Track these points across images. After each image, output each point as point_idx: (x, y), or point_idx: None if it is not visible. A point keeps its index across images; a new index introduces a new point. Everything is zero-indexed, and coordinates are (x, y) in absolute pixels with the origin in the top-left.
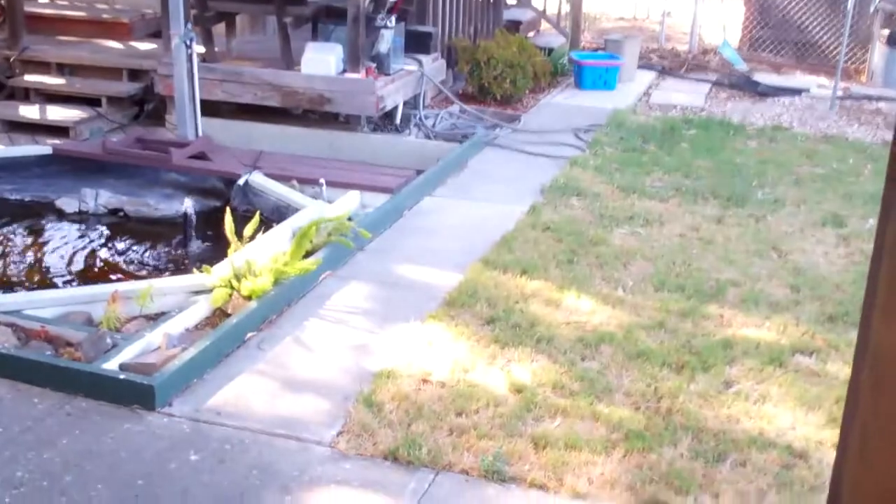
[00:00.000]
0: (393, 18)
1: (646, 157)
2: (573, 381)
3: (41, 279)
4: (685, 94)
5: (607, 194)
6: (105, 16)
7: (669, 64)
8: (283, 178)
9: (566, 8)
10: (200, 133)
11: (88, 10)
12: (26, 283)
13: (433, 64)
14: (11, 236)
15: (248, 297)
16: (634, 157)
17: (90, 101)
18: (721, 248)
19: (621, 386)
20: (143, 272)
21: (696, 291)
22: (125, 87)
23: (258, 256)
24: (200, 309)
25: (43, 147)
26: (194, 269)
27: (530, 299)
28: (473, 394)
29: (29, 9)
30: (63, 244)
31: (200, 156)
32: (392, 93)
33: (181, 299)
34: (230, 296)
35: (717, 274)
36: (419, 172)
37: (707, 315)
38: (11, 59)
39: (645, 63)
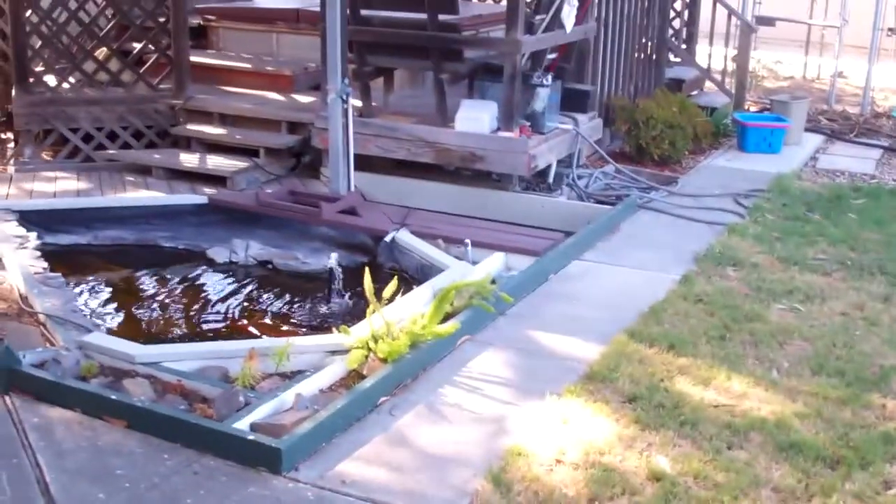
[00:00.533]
0: (550, 76)
1: (809, 227)
2: (717, 471)
3: (185, 329)
4: (854, 160)
5: (766, 265)
6: (269, 68)
7: (839, 127)
8: (429, 237)
9: (731, 66)
10: (352, 187)
11: (254, 62)
12: (170, 332)
13: (589, 123)
14: (162, 284)
15: (384, 360)
16: (797, 227)
17: (249, 152)
18: (887, 330)
19: (770, 480)
20: (285, 327)
21: (857, 378)
22: (283, 139)
23: (397, 317)
24: (336, 369)
25: (199, 196)
26: (334, 329)
27: (676, 377)
28: (609, 479)
29: (195, 59)
30: (210, 294)
31: (351, 211)
32: (545, 152)
33: (318, 358)
34: (366, 357)
35: (881, 359)
36: (568, 234)
37: (868, 404)
38: (176, 108)
39: (812, 125)
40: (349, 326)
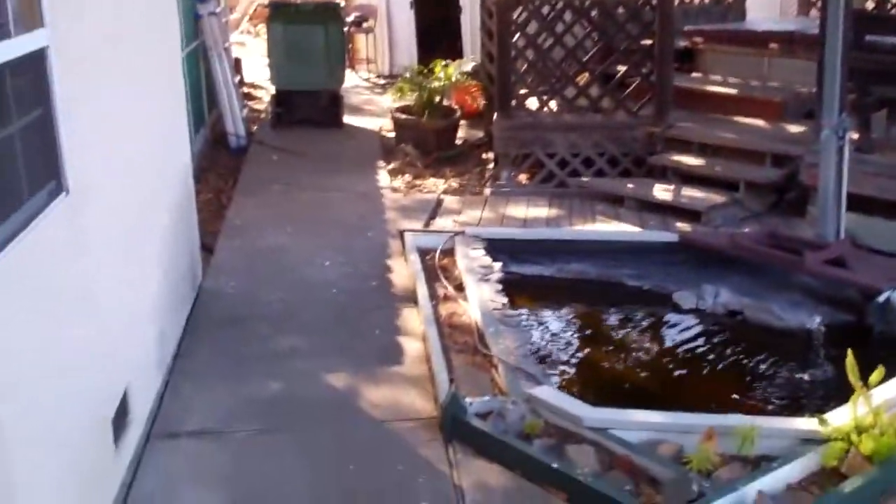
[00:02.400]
0: None
1: None
2: None
3: (640, 383)
4: None
5: None
6: (756, 94)
7: None
8: None
9: None
10: (842, 234)
11: (741, 87)
12: (624, 385)
13: None
14: (620, 327)
15: (869, 459)
16: None
17: (727, 185)
18: None
19: None
20: (751, 395)
21: None
22: (766, 173)
23: (889, 404)
24: (808, 462)
25: (669, 234)
26: (807, 414)
27: None
28: None
29: (678, 83)
30: (671, 344)
31: (839, 261)
32: None
33: (788, 443)
34: (846, 452)
35: None
36: None
37: None
38: (654, 136)
39: None
40: (828, 404)
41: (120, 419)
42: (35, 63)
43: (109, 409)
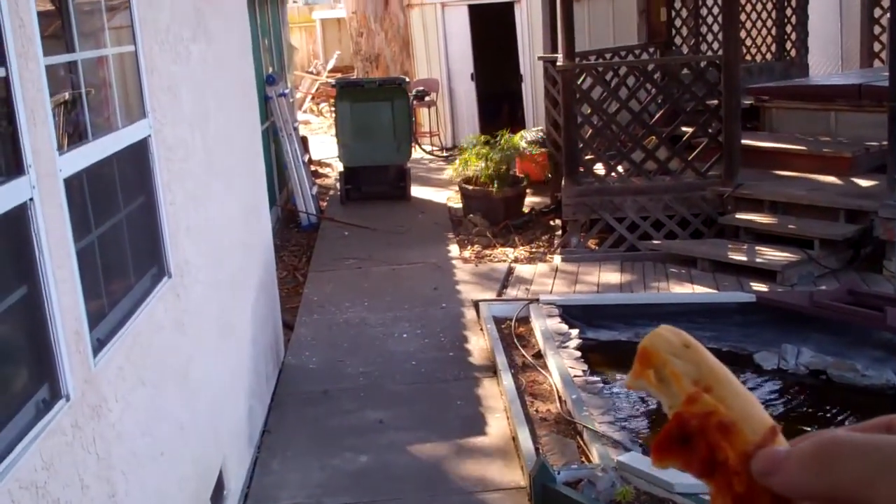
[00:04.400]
0: None
1: None
2: None
3: None
4: None
5: None
6: (826, 150)
7: None
8: None
9: None
10: None
11: (808, 143)
12: None
13: None
14: None
15: None
16: None
17: (801, 243)
18: None
19: None
20: None
21: None
22: (840, 229)
23: None
24: None
25: (745, 295)
26: None
27: None
28: None
29: (746, 141)
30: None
31: None
32: None
33: None
34: None
35: None
36: None
37: None
38: (724, 196)
39: None
40: None
41: (217, 495)
42: (138, 152)
43: (208, 485)
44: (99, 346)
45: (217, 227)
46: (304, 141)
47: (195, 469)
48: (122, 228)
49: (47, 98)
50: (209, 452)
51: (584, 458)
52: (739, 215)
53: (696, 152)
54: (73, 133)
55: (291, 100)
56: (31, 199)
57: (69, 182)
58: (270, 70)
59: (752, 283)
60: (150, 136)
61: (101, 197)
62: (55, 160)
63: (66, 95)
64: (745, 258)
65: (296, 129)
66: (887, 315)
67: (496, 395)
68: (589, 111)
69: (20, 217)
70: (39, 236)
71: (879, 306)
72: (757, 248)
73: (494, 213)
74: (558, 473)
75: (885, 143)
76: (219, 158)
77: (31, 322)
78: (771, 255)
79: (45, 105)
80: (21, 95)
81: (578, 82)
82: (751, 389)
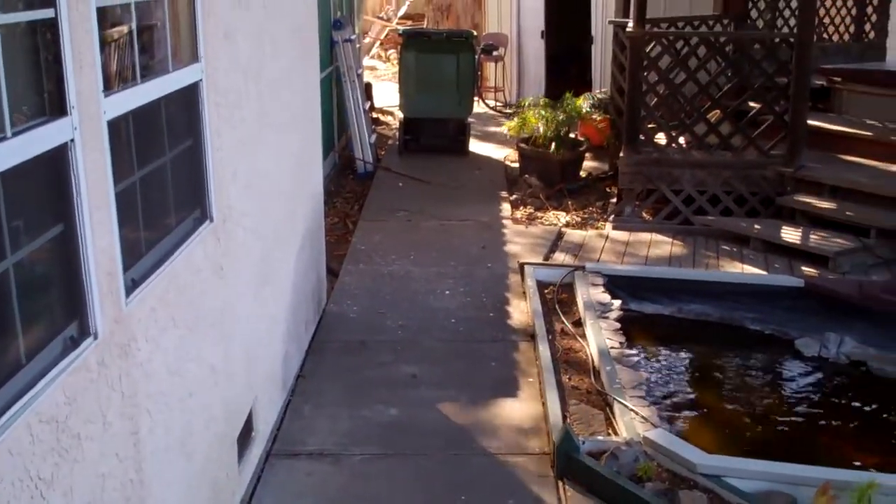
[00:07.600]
0: None
1: None
2: None
3: (756, 430)
4: None
5: None
6: (894, 137)
7: None
8: None
9: None
10: None
11: (878, 130)
12: (739, 432)
13: None
14: (741, 372)
15: None
16: None
17: (857, 231)
18: None
19: None
20: (872, 449)
21: None
22: None
23: None
24: None
25: (794, 279)
26: None
27: None
28: None
29: (812, 122)
30: (791, 392)
31: None
32: None
33: None
34: None
35: None
36: None
37: None
38: (785, 176)
39: None
40: None
41: (245, 436)
42: (188, 96)
43: (236, 426)
44: (133, 286)
45: (265, 175)
46: (367, 88)
47: (224, 411)
48: (167, 171)
49: (97, 40)
50: (240, 395)
51: (610, 431)
52: (798, 197)
53: (760, 129)
54: (121, 74)
55: (358, 45)
56: (73, 140)
57: (114, 124)
58: (339, 14)
59: (803, 267)
60: (201, 80)
61: (147, 139)
62: (100, 102)
63: (117, 36)
64: (798, 241)
65: (360, 75)
66: None
67: (531, 361)
68: (655, 79)
69: (60, 157)
70: (78, 177)
71: None
72: (812, 231)
73: (551, 176)
74: (583, 443)
75: None
76: (272, 107)
77: (63, 261)
78: (824, 240)
79: (93, 47)
80: (69, 37)
81: (647, 49)
82: (789, 375)
